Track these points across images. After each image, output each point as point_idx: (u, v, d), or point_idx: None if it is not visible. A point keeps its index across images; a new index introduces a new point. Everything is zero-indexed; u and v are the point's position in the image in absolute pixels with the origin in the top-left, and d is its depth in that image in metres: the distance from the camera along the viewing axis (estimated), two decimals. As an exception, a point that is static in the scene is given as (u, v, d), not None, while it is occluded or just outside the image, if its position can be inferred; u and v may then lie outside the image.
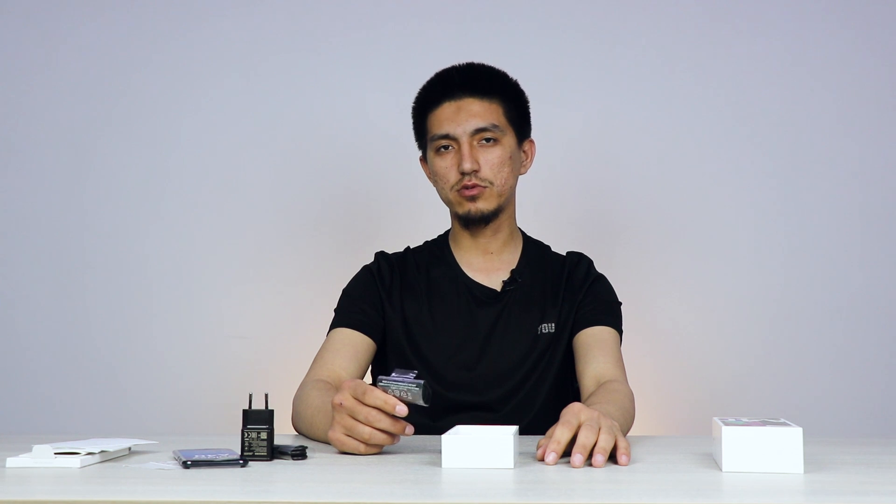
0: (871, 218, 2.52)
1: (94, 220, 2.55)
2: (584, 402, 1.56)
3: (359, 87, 2.56)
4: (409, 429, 1.28)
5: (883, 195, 2.52)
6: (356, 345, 1.71)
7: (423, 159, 1.82)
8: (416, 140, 1.83)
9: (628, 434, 1.54)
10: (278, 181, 2.56)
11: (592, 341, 1.71)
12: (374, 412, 1.26)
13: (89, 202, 2.56)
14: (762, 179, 2.53)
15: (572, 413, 1.25)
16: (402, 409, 1.25)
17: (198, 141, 2.57)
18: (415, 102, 1.81)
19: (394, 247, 1.88)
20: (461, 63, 1.79)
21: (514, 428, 1.24)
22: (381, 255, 1.84)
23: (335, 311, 1.77)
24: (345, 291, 1.81)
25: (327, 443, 1.35)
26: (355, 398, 1.27)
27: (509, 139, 1.74)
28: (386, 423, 1.26)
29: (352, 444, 1.28)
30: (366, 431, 1.27)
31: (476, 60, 1.80)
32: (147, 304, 2.54)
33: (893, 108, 2.53)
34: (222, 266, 2.55)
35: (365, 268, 1.83)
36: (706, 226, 2.53)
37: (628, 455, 1.22)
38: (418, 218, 2.33)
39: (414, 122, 1.82)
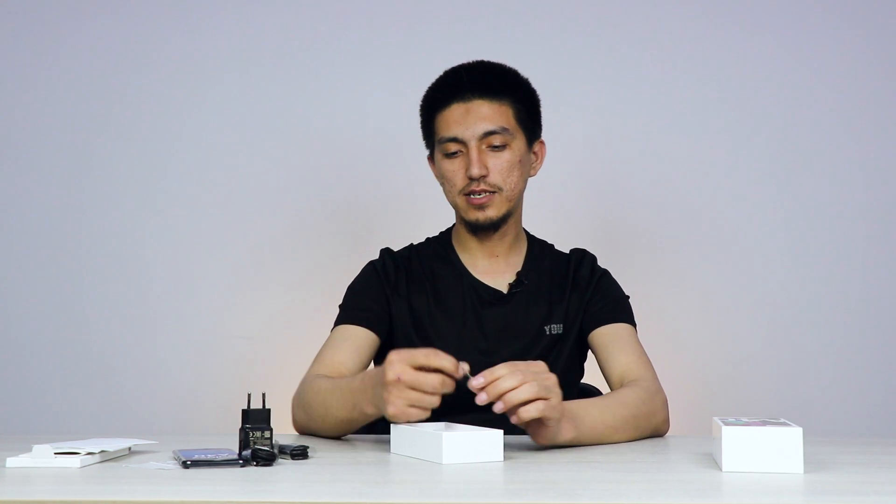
0: (872, 218, 2.52)
1: (93, 220, 2.55)
2: None
3: (359, 87, 2.55)
4: (464, 366, 1.28)
5: (883, 195, 2.52)
6: (357, 339, 1.69)
7: (431, 158, 1.79)
8: (424, 139, 1.79)
9: (651, 435, 1.55)
10: (278, 181, 2.56)
11: (608, 340, 1.71)
12: (437, 379, 1.27)
13: (88, 202, 2.55)
14: (762, 179, 2.53)
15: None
16: (465, 367, 1.28)
17: (197, 141, 2.57)
18: (423, 101, 1.76)
19: (394, 247, 1.88)
20: (471, 61, 1.73)
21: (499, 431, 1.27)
22: (386, 252, 1.82)
23: (339, 307, 1.76)
24: (349, 288, 1.79)
25: (343, 429, 1.46)
26: (415, 367, 1.27)
27: (519, 142, 1.70)
28: (449, 384, 1.28)
29: (416, 413, 1.28)
30: (433, 400, 1.27)
31: (479, 60, 1.74)
32: (147, 304, 2.54)
33: (893, 108, 2.53)
34: (222, 266, 2.55)
35: (370, 264, 1.81)
36: (705, 225, 2.53)
37: (504, 403, 1.26)
38: (419, 219, 2.31)
39: (422, 122, 1.77)
